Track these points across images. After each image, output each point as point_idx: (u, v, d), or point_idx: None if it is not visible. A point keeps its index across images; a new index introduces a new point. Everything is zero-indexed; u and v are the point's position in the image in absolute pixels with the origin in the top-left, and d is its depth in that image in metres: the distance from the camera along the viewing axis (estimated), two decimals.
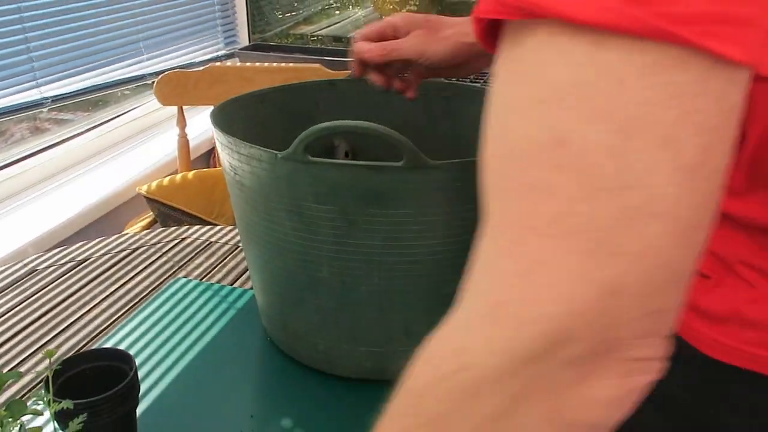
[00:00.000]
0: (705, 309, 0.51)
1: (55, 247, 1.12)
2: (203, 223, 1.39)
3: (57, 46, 1.48)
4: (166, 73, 1.53)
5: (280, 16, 2.55)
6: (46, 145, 1.55)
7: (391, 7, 2.26)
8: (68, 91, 1.50)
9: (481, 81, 1.83)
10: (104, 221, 1.45)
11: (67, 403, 0.51)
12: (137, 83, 1.76)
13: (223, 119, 0.73)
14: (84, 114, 1.84)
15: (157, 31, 1.86)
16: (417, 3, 2.25)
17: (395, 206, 0.59)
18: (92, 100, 1.82)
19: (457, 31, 0.72)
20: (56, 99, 1.45)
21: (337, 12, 2.58)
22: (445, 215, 0.61)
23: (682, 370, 0.43)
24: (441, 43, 0.72)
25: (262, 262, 0.71)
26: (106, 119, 1.76)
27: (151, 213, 1.42)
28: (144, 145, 1.79)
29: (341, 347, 0.71)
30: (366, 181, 0.58)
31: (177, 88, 1.53)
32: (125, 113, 1.82)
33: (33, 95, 1.42)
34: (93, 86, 1.58)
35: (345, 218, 0.60)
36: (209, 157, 1.95)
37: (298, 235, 0.64)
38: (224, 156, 0.69)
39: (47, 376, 0.55)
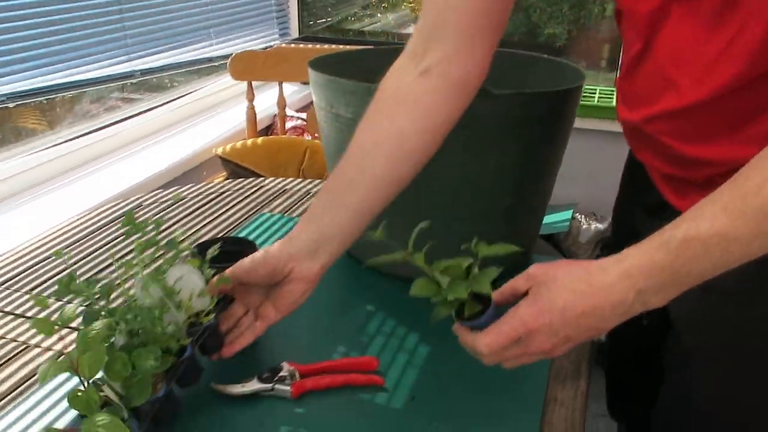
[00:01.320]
0: None
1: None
2: None
3: (147, 26, 1.69)
4: (238, 52, 1.73)
5: (329, 10, 2.74)
6: (135, 113, 1.77)
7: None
8: (154, 66, 1.70)
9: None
10: (184, 179, 1.64)
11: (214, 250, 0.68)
12: (209, 64, 1.96)
13: (316, 67, 0.91)
14: (151, 95, 2.05)
15: (224, 20, 2.06)
16: None
17: (465, 126, 0.75)
18: (156, 84, 2.03)
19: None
20: (145, 72, 1.66)
21: (379, 14, 2.75)
22: (503, 135, 0.77)
23: None
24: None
25: None
26: (182, 95, 1.97)
27: (225, 172, 1.61)
28: (214, 117, 2.00)
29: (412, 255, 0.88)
30: None
31: (248, 66, 1.72)
32: (199, 90, 2.03)
33: (124, 68, 1.62)
34: (174, 63, 1.78)
35: None
36: (267, 132, 2.14)
37: None
38: (320, 94, 0.86)
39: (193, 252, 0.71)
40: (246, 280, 0.67)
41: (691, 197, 0.64)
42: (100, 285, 0.62)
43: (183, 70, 1.87)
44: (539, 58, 1.01)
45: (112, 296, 0.63)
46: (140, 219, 1.15)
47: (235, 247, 0.77)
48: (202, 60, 1.94)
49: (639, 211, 0.80)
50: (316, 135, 1.83)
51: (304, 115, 2.14)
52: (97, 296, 0.61)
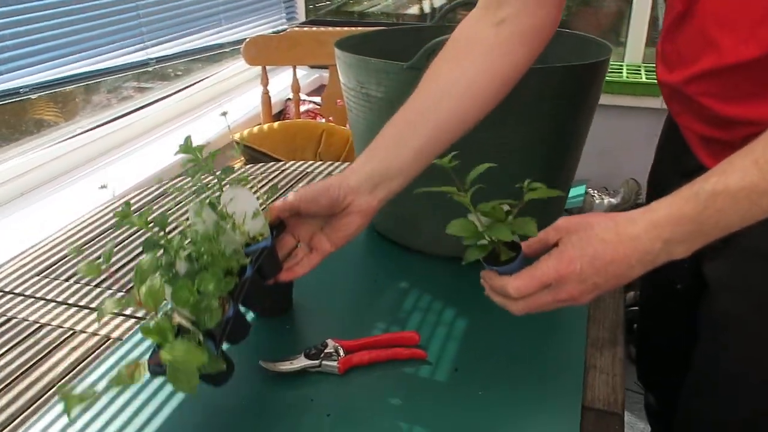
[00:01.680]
0: None
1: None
2: None
3: (161, 14, 1.69)
4: (251, 36, 1.73)
5: None
6: (147, 102, 1.77)
7: None
8: (168, 54, 1.71)
9: None
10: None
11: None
12: (221, 50, 1.96)
13: (345, 48, 0.92)
14: (164, 83, 2.05)
15: (234, 5, 2.05)
16: None
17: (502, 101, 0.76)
18: (170, 72, 2.03)
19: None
20: (160, 59, 1.66)
21: None
22: (530, 110, 0.78)
23: None
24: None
25: None
26: (194, 81, 1.97)
27: (242, 158, 1.62)
28: (228, 103, 2.00)
29: (440, 230, 0.89)
30: None
31: (261, 51, 1.73)
32: (211, 76, 2.03)
33: (140, 56, 1.63)
34: (188, 50, 1.78)
35: None
36: (279, 117, 2.15)
37: None
38: (349, 75, 0.87)
39: None
40: (306, 209, 0.68)
41: None
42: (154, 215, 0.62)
43: (196, 57, 1.87)
44: (562, 32, 1.01)
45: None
46: (165, 206, 1.16)
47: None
48: (215, 46, 1.94)
49: (676, 176, 0.81)
50: (330, 118, 1.84)
51: (317, 99, 2.14)
52: (152, 226, 0.62)
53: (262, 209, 0.67)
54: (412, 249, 0.93)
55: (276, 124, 1.65)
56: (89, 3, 1.50)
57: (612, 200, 2.08)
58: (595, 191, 2.07)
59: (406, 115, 0.70)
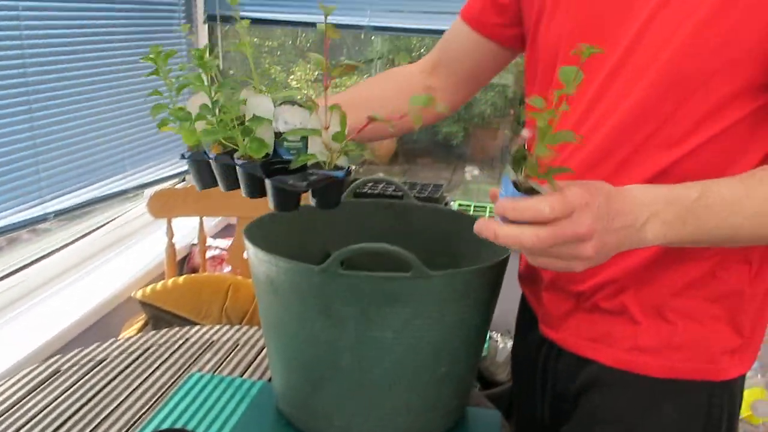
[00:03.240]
0: None
1: (52, 356, 1.24)
2: (192, 324, 1.53)
3: (63, 165, 1.65)
4: (158, 190, 1.71)
5: None
6: (40, 255, 1.69)
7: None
8: (68, 206, 1.66)
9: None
10: (100, 327, 1.57)
11: None
12: (125, 196, 1.93)
13: (253, 237, 0.92)
14: (59, 224, 1.98)
15: (140, 150, 2.05)
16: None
17: (404, 306, 0.78)
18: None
19: None
20: (58, 213, 1.60)
21: None
22: (439, 311, 0.81)
23: None
24: None
25: (289, 353, 0.88)
26: (91, 229, 1.91)
27: (144, 316, 1.56)
28: (129, 250, 1.94)
29: (355, 421, 0.88)
30: (383, 288, 0.78)
31: (167, 203, 1.71)
32: (107, 223, 1.97)
33: (37, 211, 1.57)
34: (89, 200, 1.74)
35: (364, 316, 0.79)
36: (184, 262, 2.10)
37: (326, 331, 0.82)
38: (261, 269, 0.87)
39: None
40: None
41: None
42: None
43: (98, 205, 1.82)
44: (463, 215, 1.07)
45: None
46: (60, 389, 1.08)
47: None
48: (118, 193, 1.91)
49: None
50: (237, 270, 1.82)
51: (224, 243, 2.12)
52: None
53: None
54: None
55: (180, 279, 1.61)
56: None
57: None
58: (498, 334, 2.12)
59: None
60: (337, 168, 0.75)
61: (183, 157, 0.84)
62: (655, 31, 0.72)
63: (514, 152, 0.61)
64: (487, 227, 0.61)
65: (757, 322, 0.82)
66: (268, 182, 0.76)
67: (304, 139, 0.77)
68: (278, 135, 0.78)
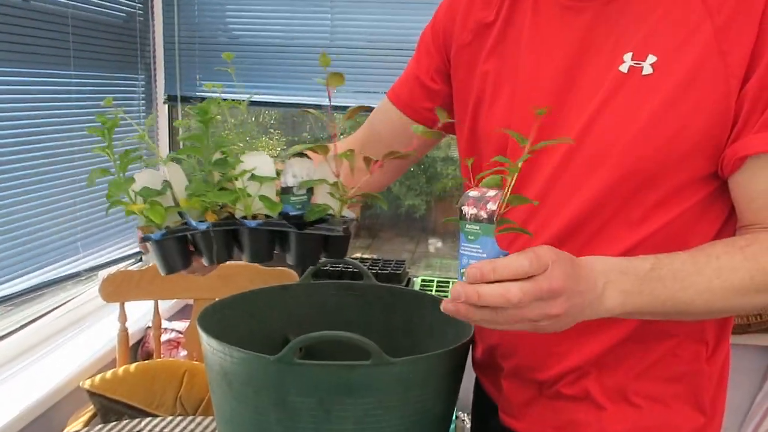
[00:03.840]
0: None
1: None
2: (144, 414, 1.45)
3: (11, 249, 1.59)
4: (111, 272, 1.65)
5: None
6: None
7: None
8: (14, 292, 1.58)
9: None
10: (44, 421, 1.47)
11: None
12: (76, 279, 1.86)
13: (207, 323, 0.88)
14: (5, 310, 1.89)
15: (94, 231, 1.99)
16: None
17: (364, 395, 0.75)
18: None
19: None
20: (3, 300, 1.53)
21: None
22: (402, 399, 0.77)
23: None
24: None
25: None
26: (39, 314, 1.82)
27: (92, 407, 1.47)
28: (79, 336, 1.85)
29: None
30: (341, 377, 0.74)
31: (120, 286, 1.65)
32: (56, 308, 1.89)
33: None
34: (36, 285, 1.67)
35: (322, 407, 0.75)
36: (138, 347, 2.02)
37: (281, 423, 0.77)
38: (214, 359, 0.82)
39: None
40: None
41: None
42: None
43: (47, 291, 1.75)
44: (424, 295, 1.05)
45: None
46: None
47: None
48: (70, 276, 1.84)
49: None
50: (194, 354, 1.74)
51: (180, 325, 2.05)
52: None
53: None
54: None
55: (132, 367, 1.53)
56: None
57: None
58: (465, 414, 2.07)
59: None
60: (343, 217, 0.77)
61: (146, 239, 0.78)
62: (603, 125, 0.73)
63: (487, 180, 0.64)
64: (467, 291, 0.59)
65: (716, 400, 0.82)
66: (295, 235, 0.75)
67: (309, 192, 0.78)
68: (284, 191, 0.77)
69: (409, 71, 0.97)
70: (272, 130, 2.59)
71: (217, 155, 0.76)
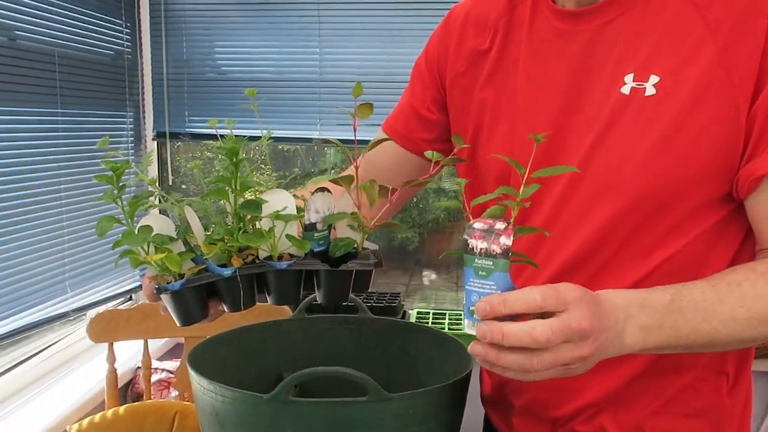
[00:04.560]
0: None
1: None
2: None
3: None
4: (100, 312, 1.62)
5: None
6: None
7: None
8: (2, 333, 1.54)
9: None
10: None
11: None
12: (64, 319, 1.82)
13: (198, 362, 0.85)
14: None
15: (81, 270, 1.96)
16: None
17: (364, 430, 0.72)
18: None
19: None
20: None
21: None
22: None
23: None
24: None
25: None
26: (26, 356, 1.78)
27: None
28: (66, 378, 1.81)
29: None
30: (338, 414, 0.71)
31: (109, 326, 1.61)
32: (44, 349, 1.85)
33: None
34: (23, 326, 1.63)
35: None
36: (128, 388, 1.97)
37: None
38: (205, 399, 0.79)
39: None
40: None
41: None
42: None
43: (34, 332, 1.71)
44: (421, 327, 1.02)
45: None
46: None
47: None
48: (58, 316, 1.80)
49: None
50: (185, 395, 1.70)
51: (171, 366, 2.00)
52: None
53: None
54: None
55: (122, 409, 1.48)
56: None
57: None
58: None
59: None
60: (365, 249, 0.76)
61: (162, 290, 0.73)
62: (608, 150, 0.71)
63: (491, 210, 0.62)
64: (492, 329, 0.56)
65: None
66: (325, 273, 0.74)
67: (329, 226, 0.76)
68: (307, 227, 0.75)
69: (404, 102, 0.96)
70: (263, 166, 2.58)
71: (246, 196, 0.73)
